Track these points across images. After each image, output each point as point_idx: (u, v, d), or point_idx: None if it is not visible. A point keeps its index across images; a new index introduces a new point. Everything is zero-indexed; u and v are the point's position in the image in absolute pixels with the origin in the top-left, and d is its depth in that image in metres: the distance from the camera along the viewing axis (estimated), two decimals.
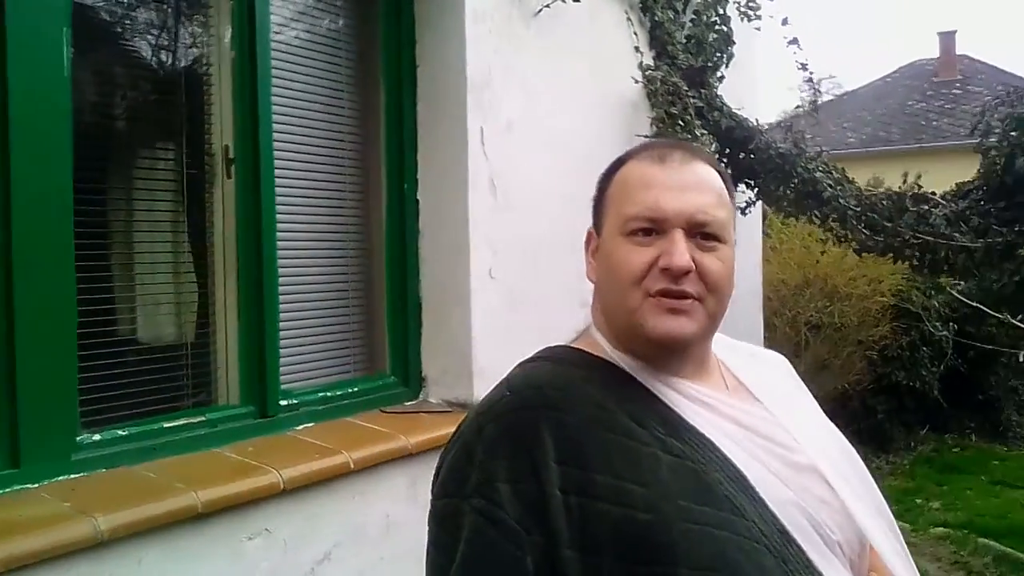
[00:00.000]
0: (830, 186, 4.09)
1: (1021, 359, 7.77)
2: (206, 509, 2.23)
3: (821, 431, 1.30)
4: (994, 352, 8.33)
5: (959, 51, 13.45)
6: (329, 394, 3.09)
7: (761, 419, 1.23)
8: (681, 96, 4.11)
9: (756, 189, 4.37)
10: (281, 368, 2.91)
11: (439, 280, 3.37)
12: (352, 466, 2.66)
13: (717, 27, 4.56)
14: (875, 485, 1.29)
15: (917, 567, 3.43)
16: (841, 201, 4.00)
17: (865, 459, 4.26)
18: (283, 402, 2.91)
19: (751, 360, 1.36)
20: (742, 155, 4.11)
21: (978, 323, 8.30)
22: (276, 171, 2.89)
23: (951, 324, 7.96)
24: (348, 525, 2.68)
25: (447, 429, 2.74)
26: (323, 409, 3.04)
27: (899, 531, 1.28)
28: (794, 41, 4.44)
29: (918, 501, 7.14)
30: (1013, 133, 3.78)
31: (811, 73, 4.61)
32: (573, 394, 1.17)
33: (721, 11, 4.64)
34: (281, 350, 2.92)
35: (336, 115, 3.25)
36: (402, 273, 3.37)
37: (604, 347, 1.25)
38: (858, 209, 3.97)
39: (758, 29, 4.61)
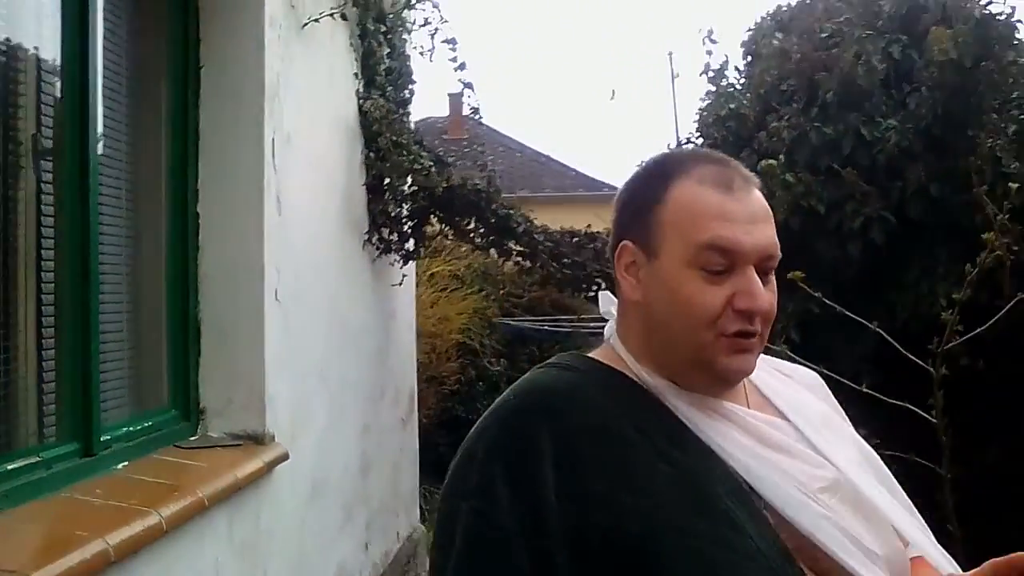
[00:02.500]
0: (519, 223, 4.80)
1: None
2: None
3: (850, 448, 1.33)
4: None
5: (466, 113, 15.51)
6: (132, 429, 2.87)
7: (785, 435, 1.26)
8: (392, 124, 4.50)
9: (446, 224, 4.90)
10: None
11: (224, 302, 3.28)
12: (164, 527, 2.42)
13: (406, 62, 5.03)
14: (911, 505, 1.33)
15: None
16: (535, 236, 4.73)
17: (426, 493, 5.18)
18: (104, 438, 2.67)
19: (779, 375, 1.40)
20: (439, 190, 4.60)
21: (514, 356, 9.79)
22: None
23: (502, 359, 9.26)
24: None
25: (238, 469, 2.80)
26: (131, 446, 2.83)
27: (940, 547, 1.31)
28: (469, 85, 5.05)
29: None
30: None
31: (481, 117, 5.29)
32: (577, 401, 1.21)
33: (402, 49, 5.12)
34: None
35: (117, 115, 2.98)
36: (183, 294, 3.22)
37: (626, 361, 1.27)
38: (549, 244, 4.73)
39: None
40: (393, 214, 4.75)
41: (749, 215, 1.20)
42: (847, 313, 3.18)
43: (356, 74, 4.50)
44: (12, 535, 2.10)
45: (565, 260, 4.73)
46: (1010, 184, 3.37)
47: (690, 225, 1.21)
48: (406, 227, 4.90)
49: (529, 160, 17.85)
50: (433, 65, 5.06)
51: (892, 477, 1.34)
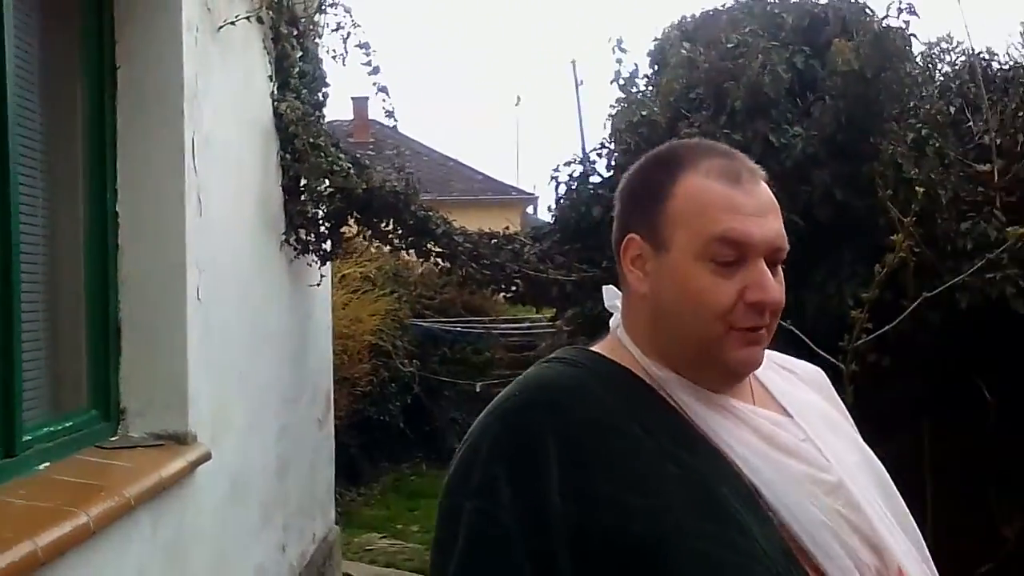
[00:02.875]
0: (438, 224, 4.88)
1: (478, 390, 9.48)
2: None
3: (852, 450, 1.33)
4: (440, 384, 9.97)
5: (371, 116, 15.50)
6: (53, 429, 2.86)
7: (789, 434, 1.26)
8: (308, 126, 4.54)
9: (364, 226, 4.95)
10: None
11: (145, 302, 3.28)
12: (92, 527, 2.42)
13: (319, 66, 5.06)
14: (906, 510, 1.33)
15: None
16: (454, 238, 4.81)
17: (338, 495, 5.36)
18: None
19: (784, 374, 1.39)
20: (359, 191, 4.65)
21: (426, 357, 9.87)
22: None
23: (415, 360, 9.32)
24: None
25: (162, 468, 2.82)
26: (52, 447, 2.81)
27: (930, 560, 1.30)
28: (384, 89, 5.11)
29: (399, 526, 8.24)
30: (578, 185, 5.04)
31: (396, 121, 5.35)
32: (583, 399, 1.20)
33: (314, 53, 5.15)
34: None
35: (32, 116, 2.93)
36: (103, 294, 3.21)
37: (633, 354, 1.27)
38: (468, 246, 4.82)
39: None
40: (310, 215, 4.78)
41: (758, 207, 1.21)
42: None
43: (271, 77, 4.52)
44: None
45: (484, 261, 4.82)
46: (917, 188, 3.60)
47: (700, 218, 1.21)
48: (323, 228, 4.93)
49: (436, 164, 17.92)
50: (336, 69, 5.09)
51: (891, 482, 1.33)
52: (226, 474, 3.64)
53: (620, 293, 1.33)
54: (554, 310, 5.21)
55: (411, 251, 5.05)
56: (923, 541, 1.30)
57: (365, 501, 8.85)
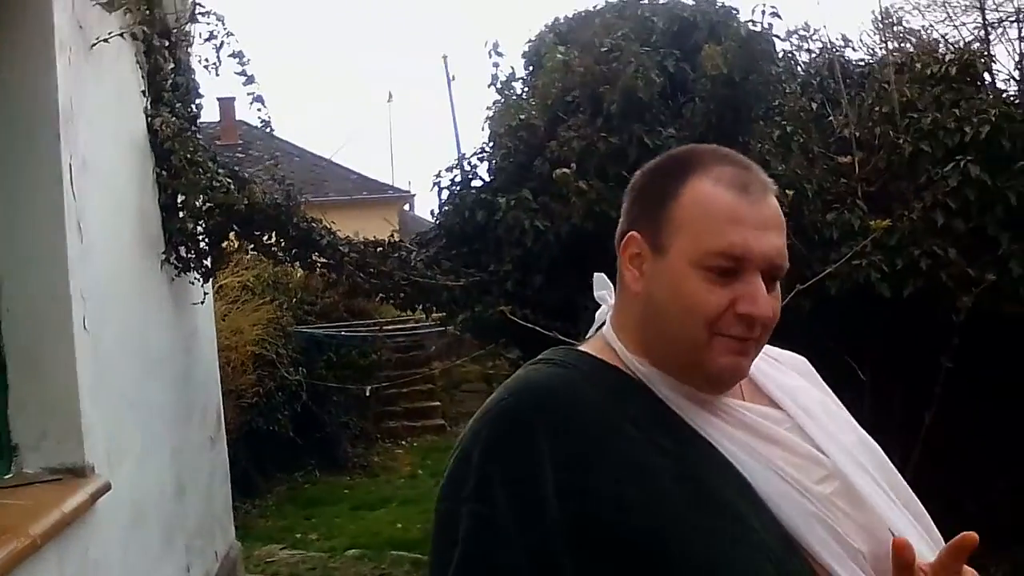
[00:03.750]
0: (323, 235, 4.90)
1: (368, 394, 9.48)
2: None
3: (848, 431, 1.34)
4: (328, 390, 9.93)
5: (239, 117, 15.18)
6: None
7: (778, 426, 1.27)
8: (185, 141, 4.49)
9: (245, 239, 4.93)
10: None
11: (30, 333, 3.22)
12: None
13: (192, 77, 4.99)
14: (908, 489, 1.33)
15: None
16: (339, 248, 4.84)
17: (233, 509, 5.48)
18: None
19: (771, 363, 1.39)
20: (240, 207, 4.64)
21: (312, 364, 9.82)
22: None
23: (301, 368, 9.25)
24: None
25: (63, 504, 2.81)
26: None
27: (934, 530, 1.31)
28: (259, 99, 5.08)
29: (298, 535, 8.18)
30: (460, 190, 5.16)
31: (272, 130, 5.32)
32: (575, 398, 1.21)
33: (187, 64, 5.08)
34: None
35: None
36: None
37: (619, 351, 1.28)
38: (355, 255, 4.86)
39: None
40: (190, 232, 4.72)
41: (762, 220, 1.21)
42: None
43: (143, 92, 4.45)
44: None
45: (371, 270, 4.87)
46: (786, 192, 3.82)
47: (702, 226, 1.21)
48: (203, 244, 4.88)
49: (309, 164, 17.61)
50: (206, 76, 5.03)
51: (889, 462, 1.34)
52: (125, 502, 3.60)
53: (610, 284, 1.35)
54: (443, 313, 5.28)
55: (295, 263, 5.04)
56: (927, 514, 1.31)
57: (260, 513, 8.75)
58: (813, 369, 1.46)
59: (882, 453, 1.34)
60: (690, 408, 1.24)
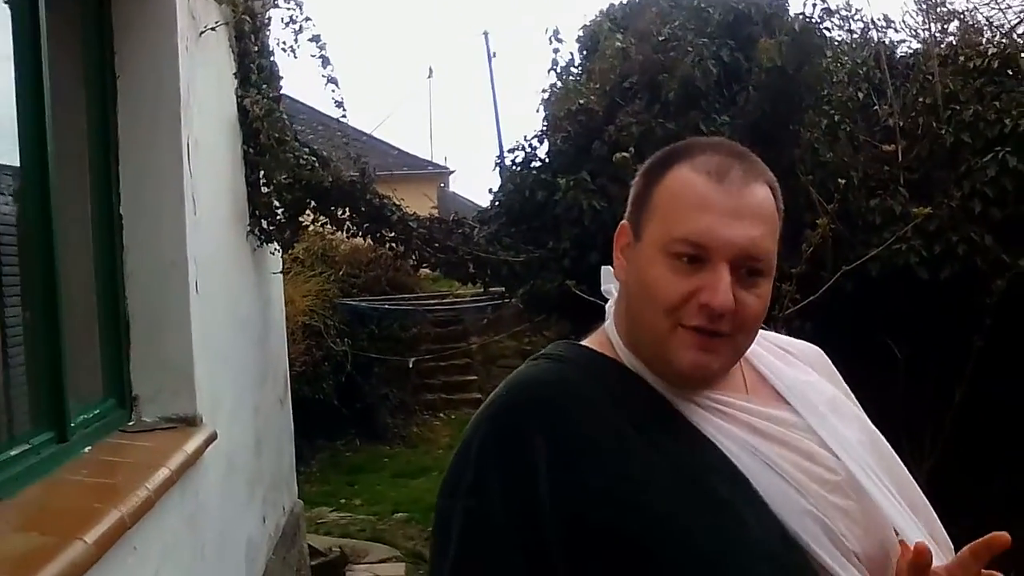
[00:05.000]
0: (393, 211, 5.30)
1: (411, 365, 9.91)
2: None
3: (854, 429, 1.32)
4: (370, 361, 10.36)
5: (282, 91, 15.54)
6: (87, 416, 3.22)
7: (780, 423, 1.27)
8: (273, 122, 4.89)
9: (322, 214, 5.34)
10: None
11: (149, 296, 3.62)
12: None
13: (273, 60, 5.39)
14: (913, 484, 1.32)
15: (399, 548, 4.97)
16: (409, 223, 5.25)
17: None
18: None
19: (781, 354, 1.39)
20: (326, 183, 5.05)
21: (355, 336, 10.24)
22: None
23: (346, 339, 9.69)
24: None
25: (186, 446, 3.22)
26: (89, 432, 3.17)
27: (943, 532, 1.30)
28: (334, 80, 5.48)
29: (342, 500, 8.66)
30: (520, 170, 5.55)
31: (345, 112, 5.71)
32: (571, 395, 1.22)
33: (266, 43, 5.47)
34: None
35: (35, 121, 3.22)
36: (112, 291, 3.55)
37: (616, 345, 1.30)
38: (422, 231, 5.26)
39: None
40: (273, 205, 5.13)
41: (734, 209, 1.18)
42: None
43: (234, 74, 4.85)
44: (45, 508, 2.48)
45: (437, 244, 5.26)
46: (840, 180, 4.18)
47: (670, 210, 1.21)
48: (280, 217, 5.29)
49: (351, 138, 17.96)
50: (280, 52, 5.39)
51: (898, 461, 1.33)
52: (223, 453, 4.02)
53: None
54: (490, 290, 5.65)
55: (367, 237, 5.44)
56: (933, 512, 1.31)
57: (306, 479, 9.19)
58: (828, 360, 1.45)
59: (890, 451, 1.34)
60: (687, 403, 1.24)
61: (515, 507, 1.15)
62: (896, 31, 6.27)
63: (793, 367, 1.37)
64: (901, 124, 5.28)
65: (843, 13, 6.87)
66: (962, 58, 5.28)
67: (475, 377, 12.37)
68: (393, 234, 5.31)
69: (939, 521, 1.31)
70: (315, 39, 5.25)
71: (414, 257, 5.36)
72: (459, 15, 59.11)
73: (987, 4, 13.01)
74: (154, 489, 2.82)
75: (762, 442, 1.23)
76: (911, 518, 1.26)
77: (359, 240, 6.31)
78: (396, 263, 7.82)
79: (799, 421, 1.28)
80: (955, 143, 5.05)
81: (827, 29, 5.01)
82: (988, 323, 4.73)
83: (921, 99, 5.26)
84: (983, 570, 1.15)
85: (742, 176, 1.21)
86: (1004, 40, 5.61)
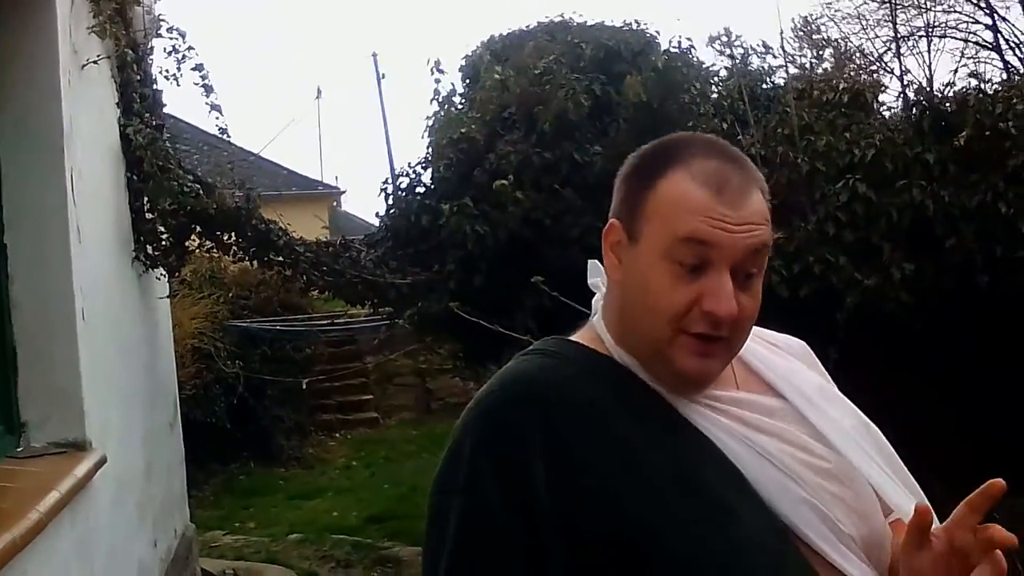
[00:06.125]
0: (279, 236, 5.49)
1: (304, 386, 10.02)
2: None
3: (848, 415, 1.35)
4: (263, 383, 10.44)
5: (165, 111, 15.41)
6: None
7: (771, 414, 1.29)
8: (156, 150, 5.04)
9: (207, 239, 5.50)
10: None
11: (36, 325, 3.75)
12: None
13: (156, 88, 5.53)
14: (907, 471, 1.35)
15: (294, 568, 5.27)
16: (296, 248, 5.44)
17: None
18: None
19: (768, 347, 1.41)
20: (210, 209, 5.21)
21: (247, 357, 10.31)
22: None
23: (238, 361, 9.75)
24: None
25: (76, 470, 3.38)
26: None
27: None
28: (217, 108, 5.64)
29: (236, 524, 8.72)
30: (406, 196, 5.80)
31: (229, 137, 5.88)
32: (564, 390, 1.23)
33: (149, 72, 5.61)
34: None
35: None
36: None
37: (607, 342, 1.30)
38: (310, 255, 5.46)
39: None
40: (157, 232, 5.27)
41: (735, 217, 1.19)
42: (579, 308, 4.24)
43: (117, 103, 4.98)
44: None
45: (324, 268, 5.47)
46: None
47: (672, 217, 1.21)
48: (165, 243, 5.42)
49: (237, 159, 17.85)
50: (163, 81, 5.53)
51: (887, 442, 1.36)
52: (112, 477, 4.14)
53: (603, 271, 1.37)
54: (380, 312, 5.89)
55: (254, 261, 5.61)
56: (925, 497, 1.32)
57: (199, 503, 9.20)
58: (811, 352, 1.47)
59: (881, 436, 1.36)
60: (680, 401, 1.26)
61: (512, 502, 1.15)
62: (775, 57, 6.74)
63: (782, 359, 1.39)
64: (763, 153, 5.70)
65: (723, 39, 7.37)
66: (816, 92, 5.74)
67: (371, 396, 12.52)
68: (280, 258, 5.50)
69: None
70: (198, 67, 5.40)
71: (302, 280, 5.56)
72: (349, 37, 59.11)
73: (856, 33, 13.81)
74: (45, 511, 2.96)
75: (755, 433, 1.25)
76: (909, 497, 1.28)
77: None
78: (285, 285, 7.95)
79: (790, 411, 1.31)
80: (810, 171, 5.48)
81: (690, 64, 5.40)
82: (842, 337, 5.16)
83: (780, 130, 5.69)
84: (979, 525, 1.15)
85: (739, 185, 1.22)
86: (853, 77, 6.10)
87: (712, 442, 1.23)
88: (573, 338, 1.35)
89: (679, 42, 5.23)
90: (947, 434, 5.23)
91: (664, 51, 5.25)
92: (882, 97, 6.64)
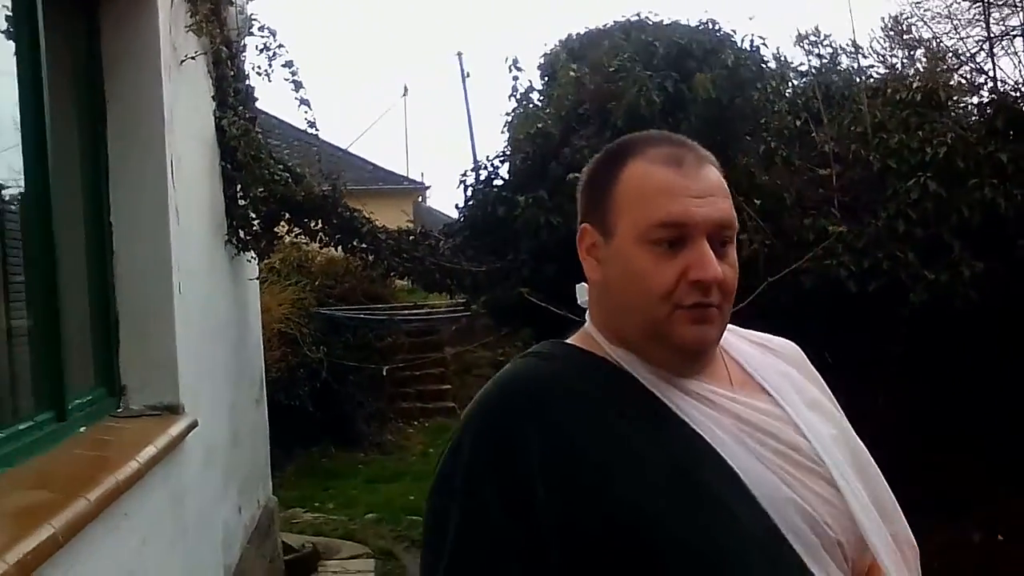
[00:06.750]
0: (363, 223, 5.81)
1: (384, 373, 10.38)
2: None
3: (829, 424, 1.37)
4: (345, 369, 10.83)
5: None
6: (82, 401, 3.70)
7: (766, 414, 1.31)
8: (249, 141, 5.40)
9: (295, 225, 5.85)
10: None
11: (137, 297, 4.12)
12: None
13: (248, 83, 5.90)
14: (882, 482, 1.38)
15: (370, 546, 5.57)
16: (378, 235, 5.76)
17: None
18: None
19: (762, 350, 1.44)
20: (298, 196, 5.56)
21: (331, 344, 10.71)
22: None
23: (322, 347, 10.16)
24: None
25: (171, 429, 3.71)
26: (84, 415, 3.66)
27: (909, 535, 1.37)
28: (306, 102, 5.98)
29: (316, 504, 9.11)
30: (484, 187, 6.07)
31: (317, 131, 6.22)
32: (562, 392, 1.26)
33: (242, 68, 5.99)
34: None
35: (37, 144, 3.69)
36: (103, 292, 4.04)
37: (601, 344, 1.33)
38: (391, 242, 5.78)
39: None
40: (248, 217, 5.63)
41: (698, 189, 1.26)
42: None
43: (212, 96, 5.36)
44: (50, 473, 2.96)
45: (405, 255, 5.77)
46: (755, 201, 4.71)
47: (640, 203, 1.27)
48: (256, 228, 5.79)
49: (326, 154, 18.36)
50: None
51: (868, 455, 1.40)
52: (201, 442, 4.50)
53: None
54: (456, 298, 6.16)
55: (338, 247, 5.94)
56: (899, 511, 1.38)
57: (281, 484, 9.63)
58: (804, 356, 1.51)
59: (862, 448, 1.40)
60: (676, 396, 1.29)
61: (509, 505, 1.18)
62: (864, 56, 6.86)
63: (773, 362, 1.43)
64: (836, 150, 5.83)
65: (812, 39, 7.47)
66: (890, 91, 5.84)
67: (449, 386, 12.84)
68: (364, 245, 5.82)
69: (906, 523, 1.38)
70: (288, 64, 5.75)
71: (383, 266, 5.87)
72: (436, 35, 60.04)
73: (947, 34, 13.64)
74: (144, 463, 3.30)
75: (749, 431, 1.28)
76: (875, 517, 1.31)
77: (334, 251, 6.79)
78: (368, 273, 8.29)
79: (781, 413, 1.34)
80: (882, 168, 5.60)
81: (765, 62, 5.56)
82: (904, 332, 5.27)
83: (853, 127, 5.81)
84: None
85: (695, 160, 1.30)
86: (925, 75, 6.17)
87: (707, 440, 1.26)
88: (568, 341, 1.40)
89: (751, 40, 5.38)
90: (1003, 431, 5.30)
91: (735, 49, 5.40)
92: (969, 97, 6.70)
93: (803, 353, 1.50)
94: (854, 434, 1.41)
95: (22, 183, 3.37)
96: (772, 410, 1.33)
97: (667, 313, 1.26)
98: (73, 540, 2.56)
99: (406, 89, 28.17)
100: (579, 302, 1.44)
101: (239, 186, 5.58)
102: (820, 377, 1.49)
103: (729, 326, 1.40)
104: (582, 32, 6.71)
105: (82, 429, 3.53)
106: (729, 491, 1.22)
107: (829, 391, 1.48)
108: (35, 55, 3.31)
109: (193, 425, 4.14)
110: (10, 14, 3.25)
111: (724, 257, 1.27)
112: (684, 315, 1.26)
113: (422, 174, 29.87)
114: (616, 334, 1.33)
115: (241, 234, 5.62)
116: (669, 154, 1.30)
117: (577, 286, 1.46)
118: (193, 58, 4.64)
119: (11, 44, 3.29)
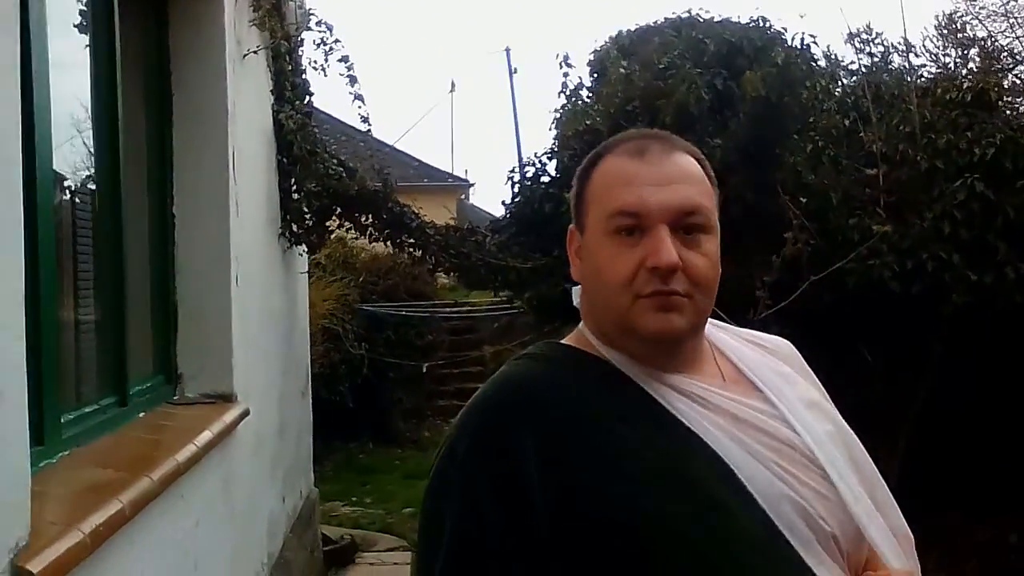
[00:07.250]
0: (412, 219, 5.92)
1: (424, 371, 10.51)
2: None
3: (824, 421, 1.38)
4: (385, 366, 10.96)
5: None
6: (141, 387, 3.84)
7: (758, 411, 1.32)
8: (306, 135, 5.53)
9: (346, 219, 5.97)
10: None
11: (196, 287, 4.24)
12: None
13: (305, 77, 6.04)
14: (877, 476, 1.39)
15: (407, 539, 5.64)
16: (427, 231, 5.87)
17: None
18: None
19: (754, 348, 1.45)
20: (351, 191, 5.68)
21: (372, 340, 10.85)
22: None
23: (364, 343, 10.30)
24: None
25: (225, 416, 3.82)
26: (143, 401, 3.79)
27: (904, 526, 1.37)
28: (360, 97, 6.11)
29: (354, 498, 9.24)
30: (531, 184, 6.18)
31: (370, 126, 6.34)
32: (556, 392, 1.27)
33: (299, 63, 6.12)
34: None
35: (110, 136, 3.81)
36: (163, 281, 4.17)
37: (594, 343, 1.35)
38: (439, 238, 5.88)
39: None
40: (302, 211, 5.76)
41: (658, 175, 1.27)
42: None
43: (271, 91, 5.49)
44: (115, 454, 3.08)
45: (452, 251, 5.88)
46: (801, 200, 4.76)
47: (603, 195, 1.30)
48: (311, 222, 5.92)
49: (373, 149, 18.56)
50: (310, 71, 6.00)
51: (863, 451, 1.41)
52: (252, 430, 4.63)
53: None
54: (500, 295, 6.24)
55: (387, 242, 6.06)
56: (896, 506, 1.39)
57: (320, 477, 9.77)
58: (798, 353, 1.51)
59: (857, 444, 1.41)
60: (670, 394, 1.30)
61: (505, 507, 1.19)
62: (916, 55, 6.85)
63: (767, 360, 1.44)
64: (884, 150, 5.84)
65: (863, 37, 7.47)
66: (939, 90, 5.85)
67: None
68: (412, 240, 5.93)
69: (901, 515, 1.38)
70: (344, 59, 5.88)
71: (431, 261, 5.97)
72: (483, 31, 60.34)
73: (1003, 32, 13.48)
74: (200, 446, 3.43)
75: (743, 429, 1.29)
76: (872, 511, 1.32)
77: (379, 248, 6.91)
78: (414, 270, 8.41)
79: (775, 410, 1.34)
80: (929, 168, 5.60)
81: (814, 60, 5.59)
82: (945, 331, 5.28)
83: (901, 127, 5.82)
84: None
85: (661, 149, 1.32)
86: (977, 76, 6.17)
87: (700, 437, 1.27)
88: (563, 342, 1.42)
89: (802, 39, 5.42)
90: None
91: (785, 47, 5.45)
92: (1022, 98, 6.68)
93: (796, 350, 1.52)
94: (849, 430, 1.42)
95: (94, 174, 3.50)
96: (765, 407, 1.34)
97: (629, 303, 1.27)
98: (138, 516, 2.68)
99: (453, 85, 28.35)
100: (574, 303, 1.45)
101: (294, 180, 5.71)
102: (813, 374, 1.50)
103: (723, 324, 1.45)
104: (632, 29, 6.79)
105: (141, 414, 3.65)
106: (724, 488, 1.23)
107: (821, 387, 1.48)
108: (110, 49, 3.45)
109: (245, 414, 4.26)
110: (85, 8, 3.39)
111: (694, 246, 1.28)
112: (645, 303, 1.26)
113: (466, 171, 30.01)
114: (600, 330, 1.35)
115: (294, 228, 5.75)
116: (635, 146, 1.33)
117: (572, 288, 1.47)
118: (256, 52, 4.77)
119: (84, 37, 3.42)
